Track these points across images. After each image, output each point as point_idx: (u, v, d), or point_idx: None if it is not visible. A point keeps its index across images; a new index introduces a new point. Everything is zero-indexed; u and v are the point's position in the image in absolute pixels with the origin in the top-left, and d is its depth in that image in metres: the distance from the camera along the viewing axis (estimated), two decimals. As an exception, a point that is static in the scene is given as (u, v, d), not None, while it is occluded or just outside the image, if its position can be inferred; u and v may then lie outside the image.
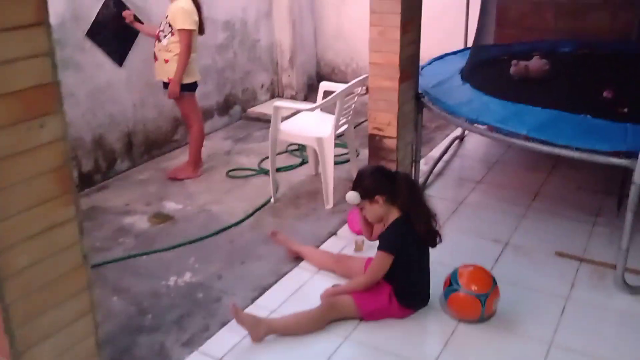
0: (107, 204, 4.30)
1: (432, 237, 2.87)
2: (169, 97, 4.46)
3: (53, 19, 4.02)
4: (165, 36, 4.29)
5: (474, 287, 2.78)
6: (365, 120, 5.42)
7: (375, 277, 2.82)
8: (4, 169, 1.55)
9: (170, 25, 4.25)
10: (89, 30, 4.37)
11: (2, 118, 1.53)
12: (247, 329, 2.74)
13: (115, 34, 4.58)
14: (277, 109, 3.96)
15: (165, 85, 4.42)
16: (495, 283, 2.82)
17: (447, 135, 5.25)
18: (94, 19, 4.39)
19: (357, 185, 2.89)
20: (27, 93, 1.58)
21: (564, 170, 4.44)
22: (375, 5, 3.44)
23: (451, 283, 2.82)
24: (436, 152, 4.90)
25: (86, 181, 4.58)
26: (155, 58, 4.41)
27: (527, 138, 3.16)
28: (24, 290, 1.64)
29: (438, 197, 4.12)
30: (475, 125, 3.44)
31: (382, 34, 3.46)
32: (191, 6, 4.26)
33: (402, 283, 2.84)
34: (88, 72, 4.44)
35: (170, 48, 4.29)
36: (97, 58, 4.49)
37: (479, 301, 2.75)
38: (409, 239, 2.81)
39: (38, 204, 1.65)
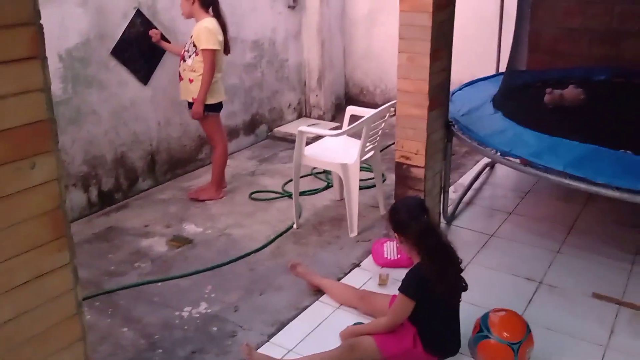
0: (126, 224, 4.21)
1: (455, 293, 2.70)
2: (193, 118, 4.38)
3: (77, 37, 4.04)
4: (190, 56, 4.23)
5: (506, 335, 2.59)
6: (393, 143, 5.29)
7: (396, 320, 2.66)
8: (-14, 213, 1.43)
9: (194, 45, 4.19)
10: (114, 49, 4.31)
11: (-14, 158, 1.41)
12: None
13: (140, 53, 4.51)
14: (301, 133, 3.84)
15: (190, 105, 4.33)
16: (529, 330, 2.63)
17: (478, 162, 5.06)
18: (119, 37, 4.33)
19: (388, 214, 2.81)
20: (17, 131, 1.46)
21: (600, 203, 4.22)
22: (403, 32, 3.29)
23: (481, 329, 2.64)
24: (466, 179, 4.72)
25: (106, 200, 4.50)
26: (180, 78, 4.34)
27: (563, 174, 2.97)
28: (8, 343, 1.51)
29: (467, 229, 3.94)
30: (507, 157, 3.26)
31: (411, 60, 3.31)
32: (216, 26, 4.18)
33: (427, 327, 2.67)
34: (112, 90, 4.37)
35: (195, 68, 4.22)
36: (121, 76, 4.42)
37: (511, 350, 2.57)
38: (428, 284, 2.63)
39: (26, 250, 1.52)
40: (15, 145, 1.46)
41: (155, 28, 4.57)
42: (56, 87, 3.99)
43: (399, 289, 2.65)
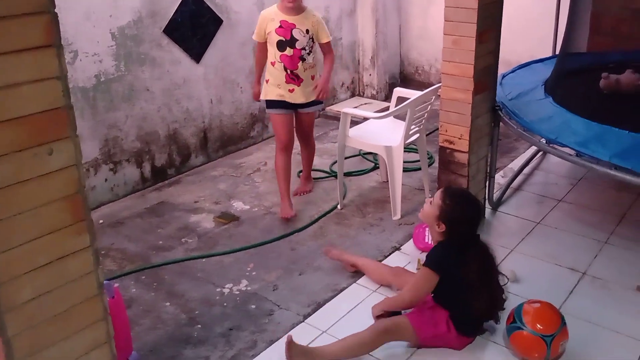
0: (177, 200, 4.35)
1: (489, 315, 2.72)
2: (325, 96, 4.03)
3: (129, 16, 4.15)
4: (309, 53, 3.88)
5: (539, 327, 2.55)
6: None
7: (418, 293, 2.69)
8: (5, 198, 1.49)
9: (313, 40, 3.88)
10: (166, 27, 4.41)
11: (3, 144, 1.46)
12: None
13: (193, 31, 4.60)
14: (345, 115, 3.84)
15: (305, 105, 3.98)
16: (564, 323, 2.59)
17: (530, 146, 4.92)
18: (171, 15, 4.42)
19: (447, 196, 2.73)
20: (34, 118, 1.50)
21: (657, 191, 4.07)
22: (449, 14, 3.22)
23: (514, 320, 2.61)
24: (516, 163, 4.62)
25: (159, 175, 4.65)
26: (297, 81, 3.88)
27: (609, 165, 2.87)
28: (28, 323, 1.59)
29: (513, 215, 3.87)
30: (552, 145, 3.17)
31: (456, 43, 3.25)
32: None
33: (458, 311, 2.67)
34: (165, 68, 4.48)
35: (313, 64, 3.95)
36: (174, 54, 4.53)
37: (544, 342, 2.53)
38: (456, 260, 2.64)
39: (46, 233, 1.59)
40: (33, 132, 1.50)
41: (208, 6, 4.63)
42: (109, 65, 4.13)
43: (423, 264, 2.67)
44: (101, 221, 4.07)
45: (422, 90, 3.96)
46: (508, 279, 2.88)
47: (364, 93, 6.32)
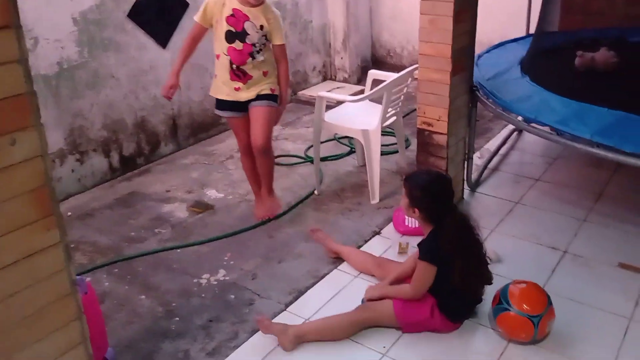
0: (148, 190, 4.22)
1: (473, 288, 2.67)
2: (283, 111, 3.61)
3: (92, 0, 3.97)
4: (258, 51, 3.35)
5: (525, 307, 2.52)
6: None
7: (421, 289, 2.61)
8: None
9: (267, 38, 3.37)
10: (130, 11, 4.25)
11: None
12: (276, 336, 2.60)
13: (158, 15, 4.44)
14: (320, 98, 3.75)
15: (262, 97, 3.43)
16: (550, 303, 2.56)
17: (505, 126, 4.91)
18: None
19: (408, 181, 2.68)
20: None
21: (631, 169, 4.05)
22: (426, -7, 3.16)
23: (501, 301, 2.58)
24: (493, 144, 4.60)
25: (128, 165, 4.51)
26: (244, 79, 3.39)
27: (590, 143, 2.85)
28: None
29: (492, 196, 3.85)
30: (532, 125, 3.13)
31: (433, 23, 3.18)
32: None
33: (447, 296, 2.62)
34: (130, 54, 4.33)
35: (266, 59, 3.42)
36: (139, 39, 4.37)
37: (531, 323, 2.50)
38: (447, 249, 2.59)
39: (11, 230, 1.47)
40: (-8, 121, 1.39)
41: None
42: (72, 51, 3.96)
43: (419, 257, 2.61)
44: (69, 214, 3.92)
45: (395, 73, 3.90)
46: (490, 259, 2.83)
47: (335, 77, 6.23)
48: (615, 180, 3.99)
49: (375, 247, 3.36)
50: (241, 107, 3.46)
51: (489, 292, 2.72)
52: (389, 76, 3.92)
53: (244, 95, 3.42)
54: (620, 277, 3.05)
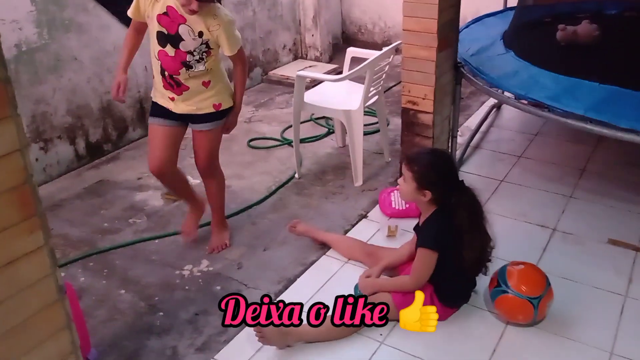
0: (118, 177, 4.03)
1: (478, 267, 2.58)
2: (229, 131, 3.03)
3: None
4: (198, 60, 2.73)
5: (524, 289, 2.45)
6: (396, 84, 5.07)
7: (423, 278, 2.50)
8: None
9: (209, 46, 2.73)
10: (92, -11, 4.01)
11: None
12: (273, 342, 2.43)
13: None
14: (300, 78, 3.60)
15: (206, 116, 2.88)
16: (549, 284, 2.50)
17: (483, 103, 4.85)
18: (97, -24, 4.02)
19: (413, 164, 2.49)
20: None
21: (611, 142, 4.03)
22: (410, -36, 3.03)
23: (499, 283, 2.50)
24: (472, 121, 4.53)
25: (95, 151, 4.30)
26: (179, 90, 2.80)
27: (583, 118, 2.78)
28: None
29: (477, 174, 3.77)
30: (522, 101, 3.05)
31: (418, -4, 3.07)
32: None
33: (445, 281, 2.54)
34: (93, 35, 4.10)
35: (208, 67, 2.80)
36: (102, 19, 4.13)
37: (531, 305, 2.44)
38: (451, 232, 2.49)
39: None
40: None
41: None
42: (30, 33, 3.72)
43: (418, 244, 2.51)
44: (36, 205, 3.70)
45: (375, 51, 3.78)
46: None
47: (307, 55, 6.07)
48: (597, 155, 3.97)
49: (362, 231, 3.26)
50: (175, 117, 2.88)
51: (483, 274, 2.66)
52: (369, 54, 3.79)
53: (179, 107, 2.83)
54: (611, 253, 3.02)
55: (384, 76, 3.75)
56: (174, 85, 2.78)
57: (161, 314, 2.73)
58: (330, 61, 5.99)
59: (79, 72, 4.07)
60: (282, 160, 4.13)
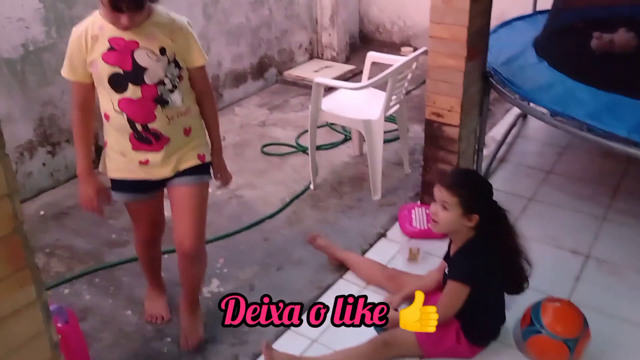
0: (127, 184, 3.85)
1: (519, 285, 2.41)
2: (227, 184, 2.62)
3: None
4: (172, 89, 2.19)
5: (560, 329, 2.27)
6: (416, 87, 4.86)
7: (449, 314, 2.32)
8: None
9: (178, 65, 2.19)
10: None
11: None
12: None
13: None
14: (318, 86, 3.41)
15: (193, 170, 2.34)
16: (587, 324, 2.31)
17: (508, 110, 4.63)
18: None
19: (457, 188, 2.27)
20: None
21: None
22: (440, -33, 2.82)
23: (532, 322, 2.31)
24: (496, 131, 4.31)
25: (105, 156, 4.13)
26: (159, 144, 2.23)
27: (626, 141, 2.57)
28: None
29: (504, 191, 3.55)
30: (559, 118, 2.84)
31: (447, 1, 2.84)
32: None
33: (474, 318, 2.35)
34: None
35: (187, 107, 2.27)
36: (115, 18, 3.96)
37: (566, 347, 2.25)
38: (488, 264, 2.31)
39: None
40: None
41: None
42: (37, 32, 3.55)
43: (449, 276, 2.32)
44: (42, 212, 3.56)
45: (382, 52, 3.71)
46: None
47: (323, 55, 5.86)
48: (630, 171, 3.74)
49: (382, 252, 3.08)
50: (148, 186, 2.35)
51: (514, 304, 2.49)
52: (390, 59, 3.60)
53: (158, 172, 2.28)
54: (649, 284, 2.82)
55: (405, 84, 3.55)
56: (152, 139, 2.20)
57: (169, 339, 2.57)
58: (347, 61, 5.78)
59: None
60: (297, 169, 3.94)
